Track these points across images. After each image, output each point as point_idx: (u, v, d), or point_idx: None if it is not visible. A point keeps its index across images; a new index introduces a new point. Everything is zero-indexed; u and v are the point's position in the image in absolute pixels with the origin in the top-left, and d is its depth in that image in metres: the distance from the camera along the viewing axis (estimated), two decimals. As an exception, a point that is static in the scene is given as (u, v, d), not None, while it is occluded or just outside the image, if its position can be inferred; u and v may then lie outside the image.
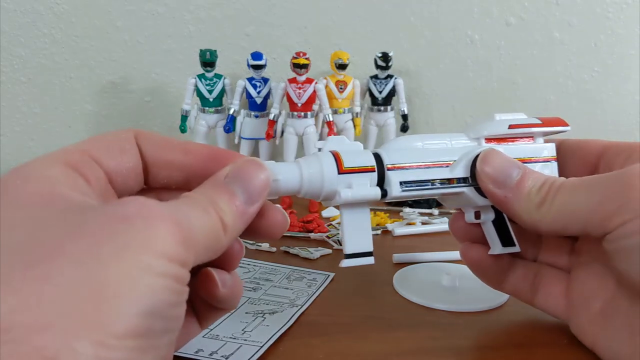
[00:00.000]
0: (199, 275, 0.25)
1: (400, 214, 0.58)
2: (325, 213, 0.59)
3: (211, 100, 0.66)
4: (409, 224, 0.55)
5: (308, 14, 0.74)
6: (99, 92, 0.76)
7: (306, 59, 0.63)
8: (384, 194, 0.28)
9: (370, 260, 0.29)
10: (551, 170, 0.31)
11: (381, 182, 0.28)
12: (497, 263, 0.32)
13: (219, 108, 0.67)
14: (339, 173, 0.27)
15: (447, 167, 0.29)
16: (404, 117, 0.69)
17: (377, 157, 0.28)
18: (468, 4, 0.74)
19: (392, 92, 0.68)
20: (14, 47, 0.74)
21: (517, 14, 0.74)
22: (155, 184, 0.25)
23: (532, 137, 0.31)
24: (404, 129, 0.69)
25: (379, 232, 0.53)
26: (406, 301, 0.37)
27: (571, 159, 0.32)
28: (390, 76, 0.68)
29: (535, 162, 0.31)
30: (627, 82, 0.77)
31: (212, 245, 0.21)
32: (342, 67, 0.66)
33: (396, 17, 0.74)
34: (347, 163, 0.27)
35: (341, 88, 0.66)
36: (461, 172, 0.29)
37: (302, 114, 0.64)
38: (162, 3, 0.73)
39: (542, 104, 0.76)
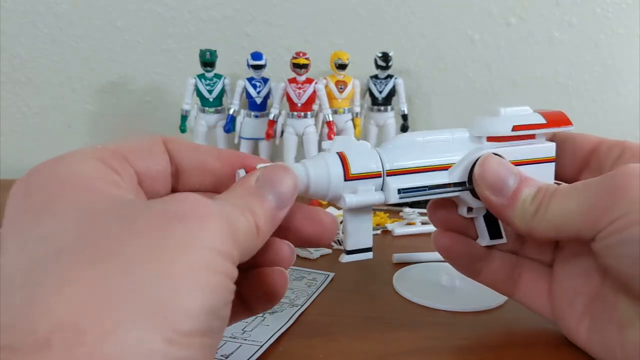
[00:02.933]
0: (261, 273, 0.26)
1: (400, 214, 0.58)
2: (325, 213, 0.59)
3: (211, 100, 0.66)
4: (409, 224, 0.55)
5: (308, 14, 0.74)
6: (99, 92, 0.76)
7: (306, 59, 0.63)
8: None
9: (369, 255, 0.29)
10: (548, 171, 0.31)
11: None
12: (469, 252, 0.32)
13: (219, 108, 0.67)
14: (346, 180, 0.27)
15: (445, 170, 0.29)
16: (404, 117, 0.69)
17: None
18: (468, 4, 0.74)
19: (392, 92, 0.68)
20: (14, 47, 0.74)
21: (517, 14, 0.74)
22: (185, 189, 0.25)
23: (534, 136, 0.31)
24: (404, 129, 0.69)
25: (379, 232, 0.53)
26: (406, 301, 0.37)
27: (562, 153, 0.32)
28: (390, 76, 0.68)
29: (533, 164, 0.30)
30: (627, 82, 0.77)
31: (249, 246, 0.21)
32: (342, 67, 0.66)
33: (396, 17, 0.74)
34: (354, 169, 0.27)
35: (341, 88, 0.66)
36: (459, 176, 0.29)
37: (302, 114, 0.64)
38: (162, 3, 0.73)
39: (542, 104, 0.76)
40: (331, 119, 0.65)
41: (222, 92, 0.67)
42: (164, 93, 0.75)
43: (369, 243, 0.29)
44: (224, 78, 0.67)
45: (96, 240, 0.17)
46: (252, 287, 0.26)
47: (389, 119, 0.69)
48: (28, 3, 0.72)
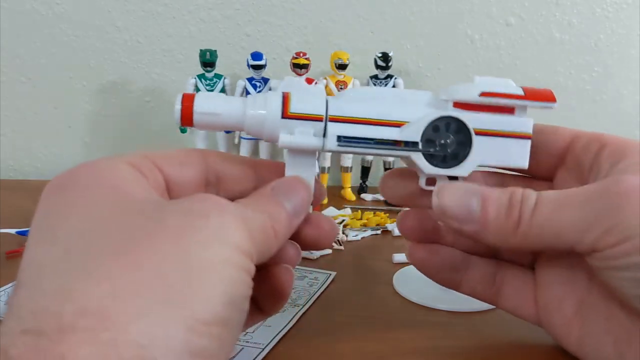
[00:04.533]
0: (268, 271, 0.26)
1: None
2: (325, 213, 0.59)
3: (211, 100, 0.66)
4: (409, 224, 0.55)
5: (308, 14, 0.74)
6: (99, 92, 0.76)
7: (306, 59, 0.63)
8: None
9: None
10: (521, 148, 0.27)
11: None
12: (447, 262, 0.30)
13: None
14: (283, 117, 0.26)
15: (398, 127, 0.26)
16: (404, 117, 0.69)
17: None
18: (468, 4, 0.74)
19: (392, 92, 0.68)
20: (14, 47, 0.74)
21: (517, 14, 0.74)
22: (226, 197, 0.26)
23: (513, 109, 0.28)
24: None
25: (379, 232, 0.53)
26: (406, 301, 0.37)
27: (535, 149, 0.29)
28: (390, 76, 0.68)
29: (504, 137, 0.27)
30: (627, 82, 0.77)
31: (266, 247, 0.22)
32: (342, 67, 0.66)
33: (396, 17, 0.74)
34: (294, 108, 0.26)
35: (341, 88, 0.66)
36: (412, 135, 0.26)
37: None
38: (162, 3, 0.73)
39: (542, 104, 0.76)
40: (331, 119, 0.64)
41: (222, 92, 0.67)
42: (164, 93, 0.75)
43: None
44: (224, 78, 0.67)
45: (122, 234, 0.18)
46: (260, 286, 0.26)
47: (389, 119, 0.69)
48: (28, 3, 0.72)
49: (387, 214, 0.57)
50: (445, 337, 0.32)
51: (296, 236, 0.26)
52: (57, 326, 0.16)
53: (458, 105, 0.27)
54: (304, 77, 0.64)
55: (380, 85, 0.67)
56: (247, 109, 0.26)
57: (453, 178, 0.28)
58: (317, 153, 0.27)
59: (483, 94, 0.27)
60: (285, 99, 0.26)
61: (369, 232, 0.53)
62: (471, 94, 0.27)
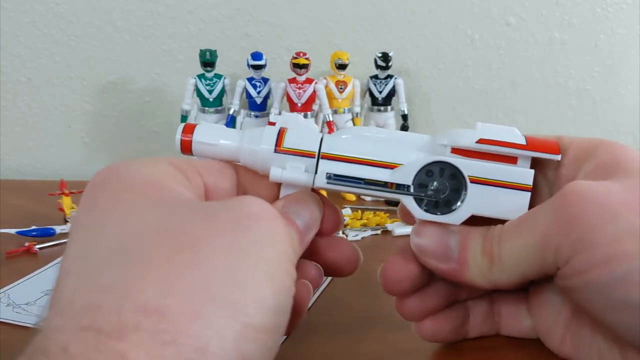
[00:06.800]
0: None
1: (400, 214, 0.58)
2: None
3: (211, 100, 0.66)
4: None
5: (308, 14, 0.74)
6: (99, 92, 0.76)
7: (306, 59, 0.63)
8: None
9: None
10: (521, 201, 0.26)
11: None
12: (454, 323, 0.30)
13: (219, 108, 0.67)
14: (275, 151, 0.26)
15: (390, 169, 0.26)
16: (404, 117, 0.69)
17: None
18: (468, 4, 0.74)
19: (392, 92, 0.68)
20: (14, 47, 0.74)
21: (517, 14, 0.74)
22: None
23: (515, 159, 0.26)
24: (404, 129, 0.69)
25: (378, 232, 0.53)
26: (406, 301, 0.37)
27: None
28: (390, 76, 0.68)
29: (502, 187, 0.26)
30: (627, 82, 0.77)
31: (296, 260, 0.23)
32: (342, 67, 0.66)
33: (396, 17, 0.74)
34: (287, 143, 0.26)
35: (341, 88, 0.66)
36: (404, 178, 0.26)
37: (302, 114, 0.64)
38: (162, 3, 0.73)
39: (542, 104, 0.76)
40: (331, 119, 0.65)
41: (222, 92, 0.67)
42: (164, 93, 0.75)
43: None
44: (224, 78, 0.67)
45: (176, 232, 0.18)
46: None
47: (389, 119, 0.69)
48: (28, 3, 0.72)
49: (387, 214, 0.57)
50: (445, 337, 0.32)
51: (321, 261, 0.26)
52: (116, 324, 0.15)
53: (456, 151, 0.26)
54: (304, 77, 0.64)
55: (381, 85, 0.68)
56: (244, 143, 0.26)
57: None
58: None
59: (481, 141, 0.26)
60: (281, 133, 0.26)
61: (369, 232, 0.53)
62: (469, 140, 0.26)
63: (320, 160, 0.26)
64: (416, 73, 0.75)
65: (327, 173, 0.26)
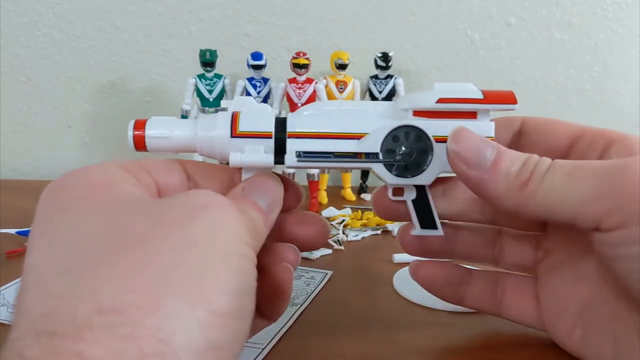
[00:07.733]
0: (267, 272, 0.26)
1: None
2: (325, 213, 0.59)
3: (211, 100, 0.66)
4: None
5: (308, 14, 0.74)
6: (99, 92, 0.76)
7: (306, 59, 0.63)
8: (281, 161, 0.26)
9: None
10: None
11: (283, 148, 0.27)
12: (450, 278, 0.31)
13: (219, 108, 0.67)
14: (232, 136, 0.26)
15: (357, 139, 0.27)
16: (404, 117, 0.69)
17: (282, 123, 0.27)
18: (468, 4, 0.74)
19: (392, 92, 0.68)
20: (14, 47, 0.74)
21: (517, 14, 0.74)
22: None
23: (475, 114, 0.27)
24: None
25: (379, 232, 0.53)
26: (406, 301, 0.37)
27: (536, 140, 0.29)
28: (390, 76, 0.68)
29: None
30: (627, 82, 0.77)
31: (258, 243, 0.23)
32: (342, 67, 0.66)
33: (396, 17, 0.74)
34: (242, 127, 0.26)
35: (341, 88, 0.66)
36: (371, 146, 0.26)
37: (302, 114, 0.64)
38: (162, 3, 0.73)
39: (542, 104, 0.76)
40: (331, 119, 0.64)
41: (222, 92, 0.67)
42: (164, 93, 0.75)
43: None
44: (224, 78, 0.67)
45: (126, 229, 0.18)
46: (259, 288, 0.26)
47: (389, 119, 0.69)
48: (28, 3, 0.72)
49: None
50: (445, 337, 0.32)
51: (291, 238, 0.26)
52: (72, 326, 0.15)
53: (418, 113, 0.27)
54: (304, 77, 0.64)
55: (381, 85, 0.68)
56: (198, 131, 0.26)
57: (419, 187, 0.28)
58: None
59: (440, 100, 0.27)
60: (234, 118, 0.26)
61: (369, 232, 0.53)
62: (429, 101, 0.27)
63: (288, 140, 0.26)
64: (416, 73, 0.75)
65: (296, 151, 0.26)
